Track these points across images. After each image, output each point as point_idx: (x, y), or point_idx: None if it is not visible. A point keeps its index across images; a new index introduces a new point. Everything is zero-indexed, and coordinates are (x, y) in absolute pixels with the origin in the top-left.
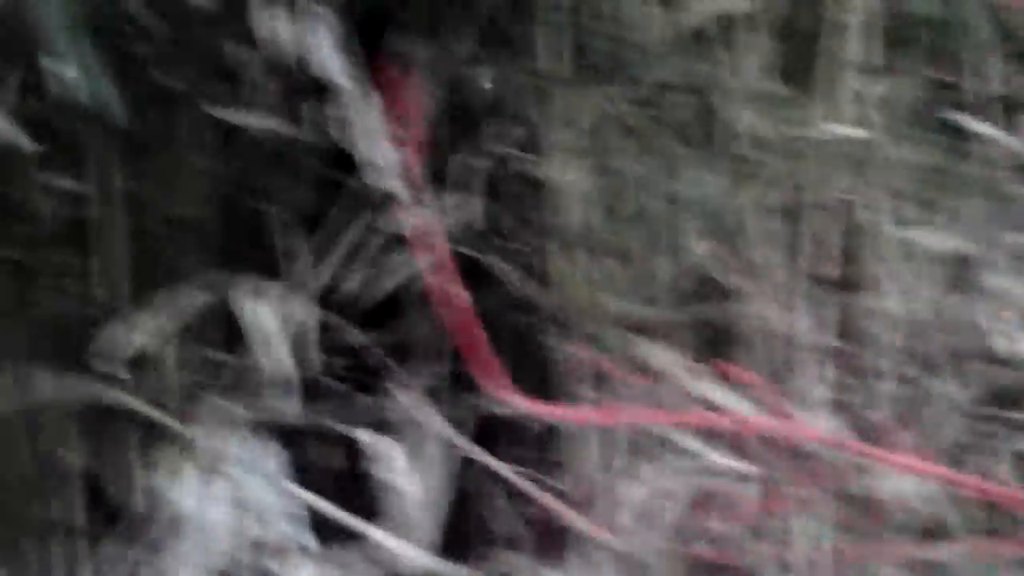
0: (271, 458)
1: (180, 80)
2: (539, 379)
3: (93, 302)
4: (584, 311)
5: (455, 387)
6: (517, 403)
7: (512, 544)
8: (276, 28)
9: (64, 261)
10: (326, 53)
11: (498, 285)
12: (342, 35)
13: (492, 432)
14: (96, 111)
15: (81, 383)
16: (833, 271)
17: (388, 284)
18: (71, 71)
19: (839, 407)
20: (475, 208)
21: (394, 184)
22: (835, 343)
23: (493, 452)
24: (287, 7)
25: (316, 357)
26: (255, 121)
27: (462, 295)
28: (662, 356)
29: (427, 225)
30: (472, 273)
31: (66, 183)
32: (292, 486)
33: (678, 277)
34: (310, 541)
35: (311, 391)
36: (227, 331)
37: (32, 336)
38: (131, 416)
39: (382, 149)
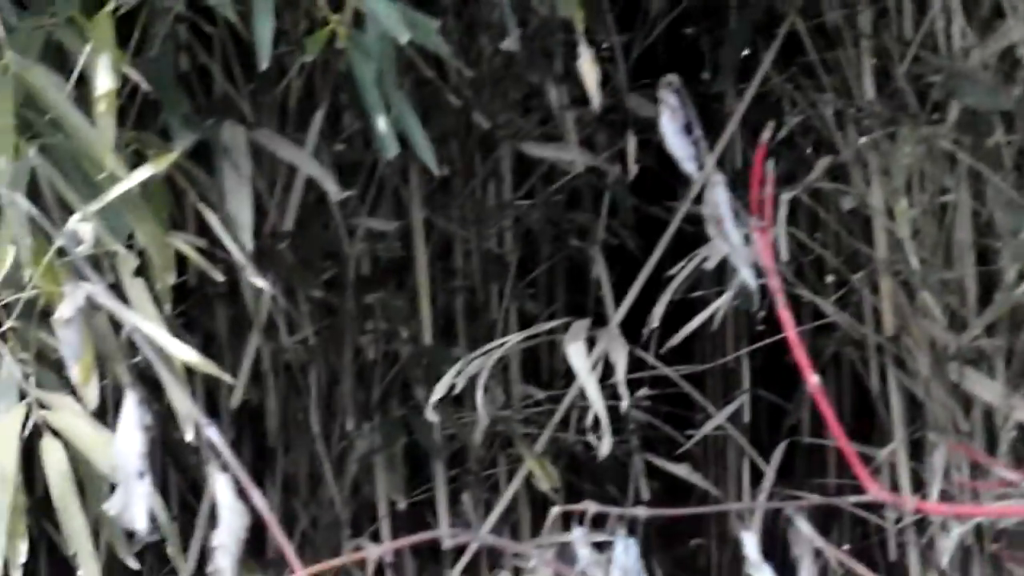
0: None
1: (488, 119)
2: (859, 412)
3: (402, 340)
4: (910, 342)
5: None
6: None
7: None
8: (584, 67)
9: (372, 301)
10: (669, 128)
11: (819, 317)
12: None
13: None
14: (408, 158)
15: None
16: None
17: (700, 318)
18: (382, 121)
19: None
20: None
21: (722, 219)
22: None
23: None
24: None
25: (626, 392)
26: (565, 156)
27: (794, 332)
28: (981, 384)
29: (762, 260)
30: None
31: (374, 224)
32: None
33: (996, 305)
34: None
35: (621, 424)
36: (534, 367)
37: (340, 374)
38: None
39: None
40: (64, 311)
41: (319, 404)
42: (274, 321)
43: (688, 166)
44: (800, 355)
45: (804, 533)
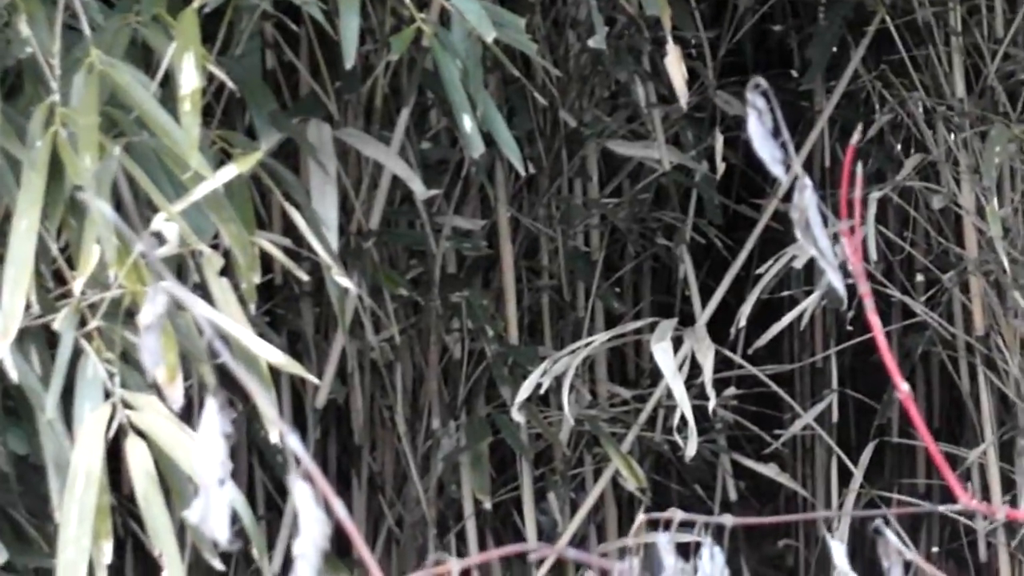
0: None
1: (574, 117)
2: (949, 412)
3: (488, 338)
4: (1000, 341)
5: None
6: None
7: None
8: (671, 65)
9: (457, 300)
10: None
11: (909, 316)
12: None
13: None
14: (494, 156)
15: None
16: None
17: (788, 317)
18: (468, 120)
19: None
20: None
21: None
22: None
23: None
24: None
25: (713, 391)
26: (652, 154)
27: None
28: None
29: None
30: (884, 306)
31: (460, 222)
32: None
33: None
34: None
35: (708, 424)
36: (621, 365)
37: (426, 373)
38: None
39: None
40: (147, 312)
41: (405, 403)
42: (360, 319)
43: (776, 170)
44: (889, 361)
45: (893, 544)
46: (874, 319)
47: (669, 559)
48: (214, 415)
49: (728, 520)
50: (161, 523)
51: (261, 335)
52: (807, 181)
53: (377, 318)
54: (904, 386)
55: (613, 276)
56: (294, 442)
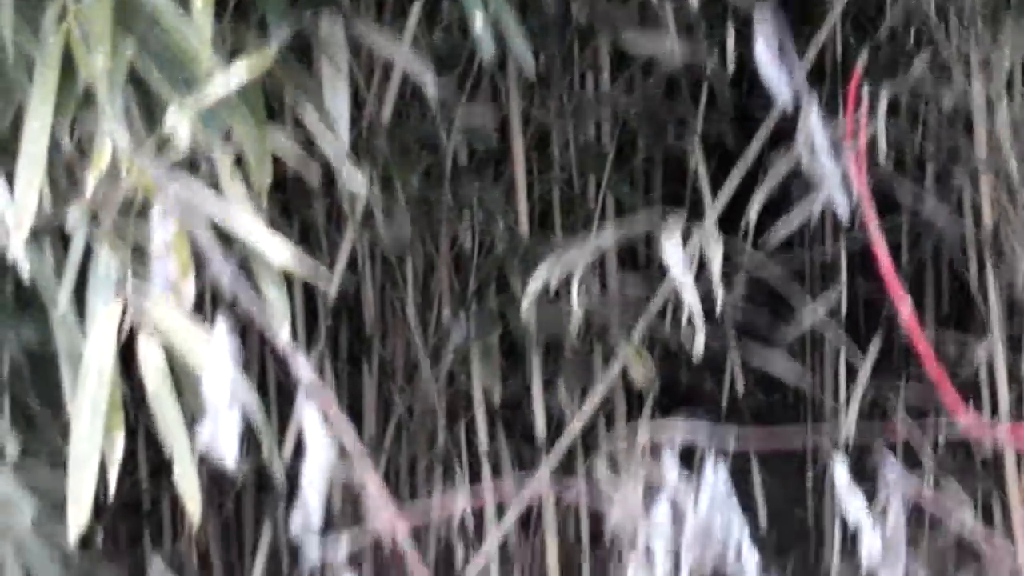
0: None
1: (586, 10)
2: (958, 305)
3: (498, 231)
4: (1008, 235)
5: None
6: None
7: None
8: None
9: (468, 192)
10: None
11: (914, 214)
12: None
13: None
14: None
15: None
16: None
17: (798, 213)
18: (480, 20)
19: None
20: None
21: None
22: None
23: None
24: None
25: (722, 286)
26: (664, 48)
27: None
28: None
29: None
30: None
31: (471, 116)
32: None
33: None
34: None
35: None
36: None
37: (436, 265)
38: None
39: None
40: (157, 240)
41: (416, 294)
42: (371, 212)
43: (781, 91)
44: (893, 284)
45: (894, 476)
46: (880, 249)
47: (672, 475)
48: (223, 337)
49: (731, 434)
50: (173, 420)
51: (273, 229)
52: (812, 101)
53: (388, 211)
54: (907, 308)
55: (624, 169)
56: (302, 365)
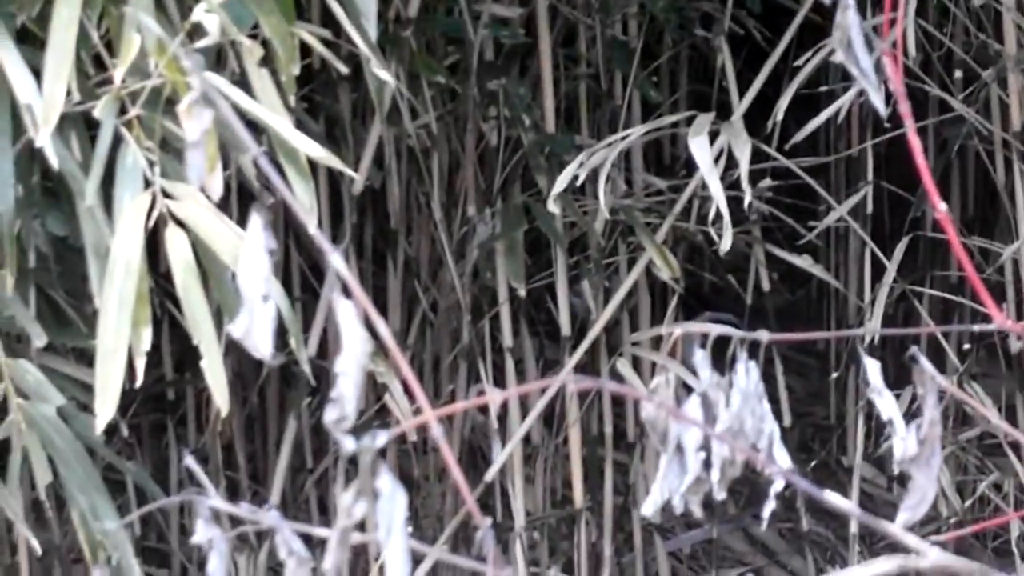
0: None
1: None
2: (984, 204)
3: (524, 126)
4: None
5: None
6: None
7: None
8: None
9: (495, 87)
10: None
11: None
12: None
13: None
14: None
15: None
16: None
17: (826, 112)
18: None
19: None
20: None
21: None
22: None
23: None
24: None
25: (748, 184)
26: None
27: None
28: None
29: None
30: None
31: (498, 10)
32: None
33: None
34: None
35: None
36: (657, 154)
37: (462, 160)
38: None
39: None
40: (192, 129)
41: (441, 189)
42: (397, 106)
43: None
44: (928, 180)
45: (927, 371)
46: (914, 141)
47: (704, 373)
48: (258, 230)
49: (764, 336)
50: (200, 312)
51: (299, 123)
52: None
53: (414, 105)
54: (942, 205)
55: (651, 66)
56: (336, 259)
